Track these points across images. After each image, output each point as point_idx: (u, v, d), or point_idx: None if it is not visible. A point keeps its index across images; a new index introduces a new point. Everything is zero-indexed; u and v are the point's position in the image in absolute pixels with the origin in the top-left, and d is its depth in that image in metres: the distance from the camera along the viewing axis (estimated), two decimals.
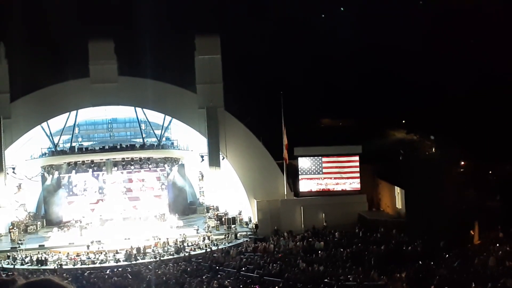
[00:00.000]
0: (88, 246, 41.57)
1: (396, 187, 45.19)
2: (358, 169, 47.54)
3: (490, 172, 46.26)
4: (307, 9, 60.81)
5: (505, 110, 47.05)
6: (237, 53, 54.28)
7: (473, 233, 38.41)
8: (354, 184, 47.45)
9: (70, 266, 38.57)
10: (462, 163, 45.12)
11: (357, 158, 47.55)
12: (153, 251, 41.19)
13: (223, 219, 46.47)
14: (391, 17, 59.32)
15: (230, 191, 48.47)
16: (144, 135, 51.71)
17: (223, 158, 47.75)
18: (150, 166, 50.63)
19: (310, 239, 41.17)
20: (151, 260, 39.33)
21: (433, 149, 47.51)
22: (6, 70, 47.19)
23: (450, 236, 37.01)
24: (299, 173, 47.65)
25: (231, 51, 50.71)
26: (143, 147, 50.50)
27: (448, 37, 55.94)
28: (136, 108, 49.93)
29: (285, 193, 47.11)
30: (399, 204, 44.81)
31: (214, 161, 47.14)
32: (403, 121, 53.73)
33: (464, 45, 54.60)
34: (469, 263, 33.70)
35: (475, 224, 38.71)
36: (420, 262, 34.30)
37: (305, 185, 47.61)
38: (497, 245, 36.00)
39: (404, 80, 52.63)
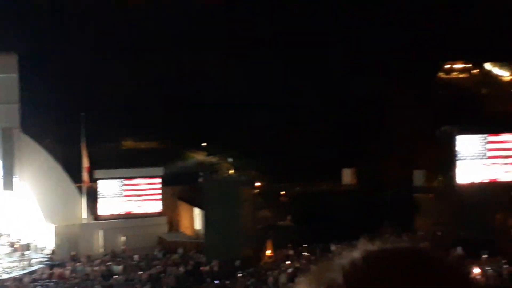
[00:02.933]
0: None
1: (195, 208, 46.27)
2: (159, 191, 47.88)
3: (283, 193, 49.13)
4: (111, 29, 60.50)
5: (302, 135, 50.31)
6: (37, 73, 52.56)
7: (266, 252, 40.48)
8: (155, 206, 47.72)
9: None
10: (257, 184, 47.37)
11: (159, 180, 47.90)
12: None
13: (16, 246, 44.44)
14: (202, 40, 60.93)
15: (25, 215, 46.44)
16: None
17: (18, 181, 45.76)
18: None
19: (108, 263, 40.81)
20: None
21: (231, 171, 49.44)
22: None
23: (245, 255, 38.72)
24: (100, 196, 46.96)
25: (31, 70, 49.07)
26: None
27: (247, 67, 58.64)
28: None
29: (85, 217, 46.18)
30: (198, 225, 45.90)
31: (7, 184, 45.03)
32: (203, 144, 55.24)
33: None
34: (263, 281, 35.53)
35: (268, 242, 40.84)
36: (216, 281, 35.51)
37: (105, 209, 47.00)
38: (288, 262, 38.33)
39: (204, 103, 54.29)
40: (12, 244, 44.56)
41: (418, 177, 45.89)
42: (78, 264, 41.55)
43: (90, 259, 42.71)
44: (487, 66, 71.72)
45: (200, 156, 54.97)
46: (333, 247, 39.33)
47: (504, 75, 71.26)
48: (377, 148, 48.39)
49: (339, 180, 48.41)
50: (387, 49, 59.11)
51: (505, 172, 39.78)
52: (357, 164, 48.41)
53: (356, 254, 1.26)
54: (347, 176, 48.39)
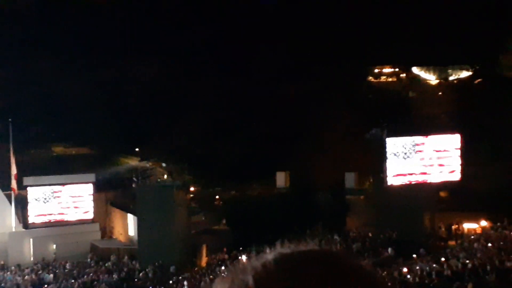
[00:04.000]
0: None
1: (129, 214, 45.70)
2: (91, 198, 47.06)
3: (217, 197, 49.15)
4: (42, 33, 59.15)
5: (236, 139, 50.48)
6: None
7: (201, 256, 40.39)
8: (87, 213, 46.87)
9: None
10: (192, 189, 47.23)
11: (90, 186, 47.08)
12: None
13: None
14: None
15: None
16: None
17: None
18: None
19: (39, 272, 39.83)
20: None
21: (165, 176, 49.06)
22: None
23: (180, 261, 38.53)
24: (29, 204, 45.75)
25: None
26: None
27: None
28: None
29: (13, 225, 44.90)
30: (131, 231, 45.36)
31: None
32: (136, 149, 54.67)
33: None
34: (197, 286, 35.41)
35: (203, 247, 40.76)
36: None
37: (35, 216, 45.83)
38: (223, 267, 38.33)
39: (136, 108, 53.76)
40: None
41: (349, 179, 46.69)
42: (7, 273, 40.40)
43: (20, 268, 41.57)
44: (415, 70, 73.84)
45: (133, 161, 54.32)
46: (267, 250, 39.56)
47: (431, 78, 73.50)
48: (310, 151, 49.02)
49: (273, 183, 48.82)
50: (317, 53, 60.01)
51: (433, 173, 40.95)
52: (290, 167, 48.93)
53: (269, 256, 1.31)
54: (281, 179, 48.82)
